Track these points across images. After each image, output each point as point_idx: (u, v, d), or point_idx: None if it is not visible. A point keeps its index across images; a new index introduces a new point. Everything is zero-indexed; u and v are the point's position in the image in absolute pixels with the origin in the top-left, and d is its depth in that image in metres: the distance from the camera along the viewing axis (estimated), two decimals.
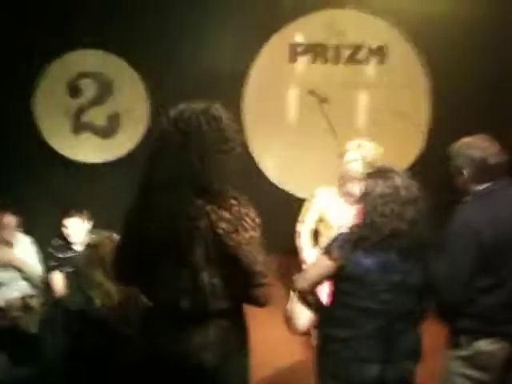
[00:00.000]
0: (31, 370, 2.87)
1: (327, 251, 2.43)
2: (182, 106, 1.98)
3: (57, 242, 3.94)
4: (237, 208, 1.89)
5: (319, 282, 2.52)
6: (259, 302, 1.99)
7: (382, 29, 5.12)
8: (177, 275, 1.90)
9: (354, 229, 2.44)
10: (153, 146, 1.99)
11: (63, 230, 3.92)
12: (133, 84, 5.02)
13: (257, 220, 1.93)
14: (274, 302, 2.04)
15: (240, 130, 2.04)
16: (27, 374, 2.91)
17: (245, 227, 1.88)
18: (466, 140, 2.62)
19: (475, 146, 2.55)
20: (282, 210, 4.56)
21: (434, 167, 4.86)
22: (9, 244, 3.90)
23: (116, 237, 2.93)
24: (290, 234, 3.76)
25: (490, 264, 2.42)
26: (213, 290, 1.90)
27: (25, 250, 3.95)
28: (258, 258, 1.92)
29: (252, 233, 1.90)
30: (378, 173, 2.46)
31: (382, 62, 5.17)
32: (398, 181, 2.38)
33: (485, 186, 2.53)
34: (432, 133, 5.18)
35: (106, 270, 2.66)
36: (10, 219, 3.89)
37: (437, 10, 4.92)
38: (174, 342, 1.96)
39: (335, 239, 2.47)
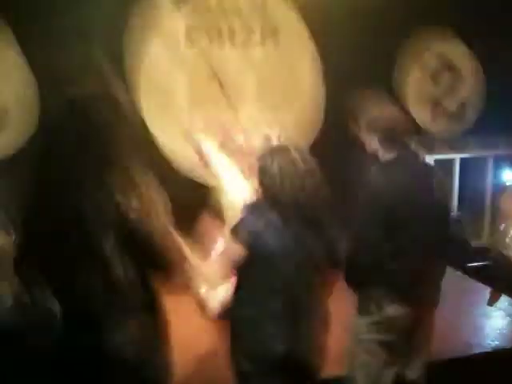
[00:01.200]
0: None
1: (234, 234, 2.41)
2: (76, 92, 1.88)
3: None
4: (147, 194, 1.83)
5: (230, 267, 2.49)
6: (164, 267, 1.93)
7: (276, 10, 5.17)
8: (89, 271, 1.81)
9: (257, 207, 2.45)
10: (49, 138, 1.89)
11: None
12: (19, 73, 4.69)
13: (169, 205, 1.90)
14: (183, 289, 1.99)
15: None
16: None
17: (156, 214, 1.83)
18: (374, 107, 2.67)
19: (387, 115, 2.62)
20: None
21: (332, 145, 5.05)
22: None
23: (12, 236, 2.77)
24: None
25: (395, 231, 2.52)
26: (128, 282, 1.82)
27: None
28: (172, 245, 1.89)
29: (163, 218, 1.86)
30: (274, 149, 2.48)
31: (276, 43, 5.22)
32: (295, 154, 2.41)
33: (390, 153, 2.61)
34: (329, 110, 5.33)
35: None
36: None
37: None
38: (95, 341, 1.87)
39: (240, 220, 2.46)
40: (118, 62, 4.70)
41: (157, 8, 4.88)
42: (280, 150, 2.45)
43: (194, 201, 3.71)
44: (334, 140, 4.98)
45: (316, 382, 2.56)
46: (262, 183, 2.46)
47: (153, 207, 1.82)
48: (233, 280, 2.64)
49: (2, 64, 4.68)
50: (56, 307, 2.29)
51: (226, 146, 3.65)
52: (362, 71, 5.05)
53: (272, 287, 2.37)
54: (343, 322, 2.71)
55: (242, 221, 2.44)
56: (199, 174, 4.84)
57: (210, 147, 3.45)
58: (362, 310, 2.66)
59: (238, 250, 2.37)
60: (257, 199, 2.50)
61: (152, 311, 1.96)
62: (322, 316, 2.49)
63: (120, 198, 1.78)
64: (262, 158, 2.49)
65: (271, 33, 5.18)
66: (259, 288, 2.40)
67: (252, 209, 2.46)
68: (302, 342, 2.41)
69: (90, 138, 1.80)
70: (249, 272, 2.42)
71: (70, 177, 1.80)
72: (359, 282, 2.61)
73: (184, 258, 1.97)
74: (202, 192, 3.88)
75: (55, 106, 1.90)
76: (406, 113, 2.74)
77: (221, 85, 4.96)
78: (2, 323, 2.41)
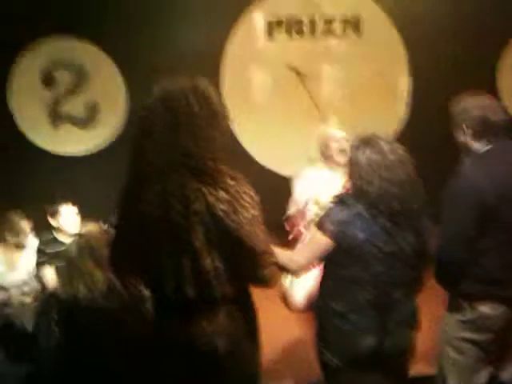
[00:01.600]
0: (29, 365, 2.83)
1: (320, 226, 2.39)
2: (167, 84, 1.88)
3: (46, 236, 3.88)
4: (235, 187, 1.80)
5: (316, 259, 2.48)
6: (266, 282, 1.92)
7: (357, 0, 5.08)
8: (179, 262, 1.81)
9: (345, 200, 2.42)
10: (138, 129, 1.89)
11: (55, 221, 3.85)
12: (108, 71, 4.91)
13: (255, 198, 1.85)
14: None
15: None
16: (26, 370, 2.88)
17: (245, 206, 1.79)
18: (468, 98, 2.57)
19: (477, 104, 2.52)
20: (265, 186, 4.52)
21: (415, 137, 4.93)
22: (20, 248, 3.93)
23: (103, 226, 2.89)
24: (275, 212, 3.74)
25: (491, 225, 2.41)
26: (217, 274, 1.82)
27: (31, 253, 3.94)
28: (261, 237, 1.84)
29: (252, 211, 1.81)
30: (362, 141, 2.44)
31: (358, 33, 5.14)
32: (384, 146, 2.36)
33: (486, 145, 2.50)
34: (413, 102, 5.20)
35: (95, 259, 2.63)
36: (26, 224, 3.90)
37: None
38: (184, 330, 1.90)
39: (326, 212, 2.44)
40: (203, 58, 4.83)
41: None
42: (369, 141, 2.40)
43: (279, 193, 3.75)
44: (421, 132, 4.91)
45: (404, 378, 2.51)
46: (350, 174, 2.44)
47: (240, 200, 1.80)
48: (318, 272, 2.64)
49: (94, 66, 4.89)
50: (146, 294, 2.37)
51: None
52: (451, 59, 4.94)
53: (360, 280, 2.34)
54: (433, 320, 2.65)
55: (329, 211, 2.43)
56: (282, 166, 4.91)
57: None
58: (454, 307, 2.56)
59: (324, 241, 2.36)
60: (345, 191, 2.47)
61: (241, 301, 1.96)
62: (411, 312, 2.44)
63: (207, 190, 1.78)
64: (351, 148, 2.46)
65: (353, 24, 5.12)
66: (347, 280, 2.37)
67: (340, 200, 2.44)
68: (390, 337, 2.37)
69: (179, 130, 1.79)
70: (337, 264, 2.40)
71: (159, 169, 1.81)
72: (451, 278, 2.51)
73: (272, 251, 1.93)
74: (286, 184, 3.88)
75: (145, 101, 1.89)
76: (501, 105, 2.59)
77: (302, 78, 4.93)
78: (98, 307, 2.53)
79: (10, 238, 3.89)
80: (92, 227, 2.77)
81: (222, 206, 1.76)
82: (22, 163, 4.68)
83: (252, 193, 1.85)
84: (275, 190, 3.93)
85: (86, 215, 3.76)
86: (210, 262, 1.80)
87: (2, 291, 3.86)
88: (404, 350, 2.45)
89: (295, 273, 2.52)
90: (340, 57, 5.15)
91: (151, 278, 1.97)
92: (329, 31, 5.10)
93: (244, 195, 1.81)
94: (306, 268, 2.49)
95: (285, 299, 3.12)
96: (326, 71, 5.07)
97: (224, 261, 1.82)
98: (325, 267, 2.49)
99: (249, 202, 1.81)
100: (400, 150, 2.38)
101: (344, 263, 2.36)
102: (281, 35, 5.05)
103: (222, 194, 1.77)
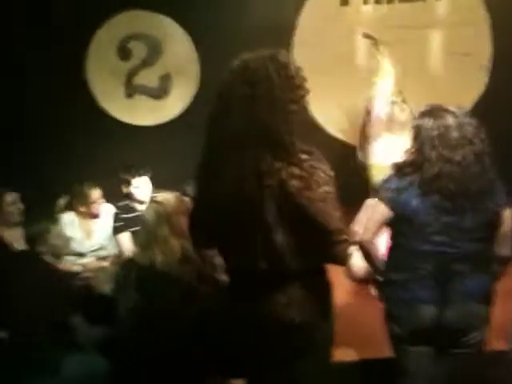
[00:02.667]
0: (107, 328, 2.94)
1: (376, 193, 2.38)
2: (245, 56, 1.84)
3: (121, 203, 4.01)
4: (308, 162, 1.77)
5: (380, 229, 2.41)
6: (338, 260, 1.89)
7: None
8: (251, 235, 1.82)
9: (403, 169, 2.35)
10: (216, 101, 1.86)
11: (128, 190, 3.97)
12: (182, 43, 4.95)
13: (330, 173, 1.81)
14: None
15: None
16: (103, 333, 2.99)
17: (318, 182, 1.76)
18: None
19: None
20: (339, 162, 4.49)
21: (497, 106, 4.71)
22: (96, 216, 4.16)
23: (180, 195, 2.94)
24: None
25: None
26: (289, 249, 1.81)
27: (106, 220, 4.13)
28: (334, 214, 1.80)
29: (326, 188, 1.77)
30: (429, 111, 2.34)
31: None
32: (450, 120, 2.25)
33: None
34: (494, 70, 4.95)
35: (171, 226, 2.66)
36: (98, 194, 4.10)
37: None
38: (257, 302, 1.92)
39: (384, 181, 2.40)
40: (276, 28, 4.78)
41: None
42: (435, 113, 2.31)
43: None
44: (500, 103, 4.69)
45: (475, 353, 2.42)
46: (412, 144, 2.36)
47: (314, 175, 1.77)
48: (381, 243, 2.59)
49: (168, 38, 4.96)
50: (219, 264, 2.41)
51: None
52: None
53: (419, 250, 2.29)
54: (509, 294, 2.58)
55: (386, 179, 2.39)
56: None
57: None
58: None
59: (381, 209, 2.31)
60: (406, 159, 2.39)
61: (314, 275, 1.95)
62: (479, 286, 2.35)
63: (281, 165, 1.76)
64: (419, 116, 2.38)
65: None
66: (407, 250, 2.33)
67: (398, 168, 2.38)
68: (452, 310, 2.32)
69: (256, 103, 1.76)
70: (397, 233, 2.37)
71: (235, 143, 1.79)
72: None
73: (344, 228, 1.88)
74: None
75: (221, 74, 1.87)
76: None
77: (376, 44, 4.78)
78: (173, 273, 2.60)
79: (83, 208, 4.04)
80: (169, 195, 2.82)
81: (294, 182, 1.74)
82: (96, 133, 4.80)
83: (326, 168, 1.81)
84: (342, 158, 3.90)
85: (159, 184, 3.85)
86: (282, 237, 1.79)
87: (81, 257, 4.06)
88: (471, 324, 2.37)
89: (356, 243, 2.48)
90: (418, 23, 4.94)
91: (226, 250, 2.00)
92: None
93: (317, 171, 1.78)
94: (366, 238, 2.42)
95: (345, 269, 3.08)
96: (402, 37, 4.88)
97: (296, 236, 1.80)
98: (391, 237, 2.45)
99: (323, 178, 1.78)
100: (470, 125, 2.26)
101: (403, 232, 2.32)
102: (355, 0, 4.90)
103: (295, 169, 1.75)
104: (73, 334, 3.09)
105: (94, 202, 4.12)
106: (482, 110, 4.24)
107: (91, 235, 4.15)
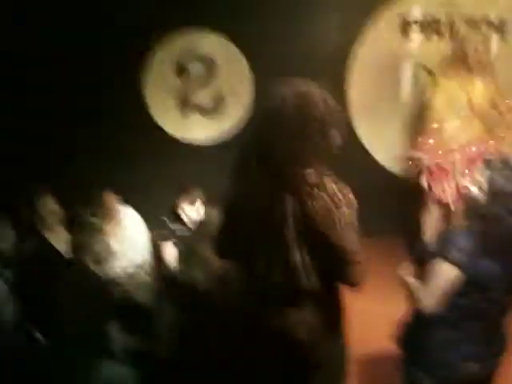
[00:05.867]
0: (143, 340, 2.97)
1: (446, 257, 2.22)
2: (302, 88, 1.88)
3: (171, 217, 4.07)
4: (328, 184, 1.82)
5: (446, 295, 2.27)
6: (351, 281, 1.91)
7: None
8: (269, 254, 1.88)
9: (474, 226, 2.27)
10: (260, 127, 1.92)
11: (176, 208, 4.04)
12: (237, 64, 5.05)
13: (349, 196, 1.84)
14: (368, 280, 1.91)
15: (341, 112, 1.93)
16: (140, 344, 3.02)
17: (336, 204, 1.80)
18: None
19: None
20: (389, 192, 4.47)
21: None
22: (117, 218, 4.06)
23: None
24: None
25: None
26: (305, 268, 1.85)
27: (133, 224, 4.12)
28: (350, 236, 1.83)
29: (344, 209, 1.81)
30: (497, 161, 2.30)
31: (502, 37, 4.83)
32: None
33: None
34: None
35: None
36: (111, 196, 4.02)
37: None
38: (270, 317, 1.96)
39: (451, 238, 2.28)
40: (332, 55, 4.82)
41: None
42: (502, 164, 2.28)
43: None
44: None
45: None
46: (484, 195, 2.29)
47: (334, 197, 1.80)
48: None
49: (223, 58, 5.06)
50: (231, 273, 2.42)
51: None
52: None
53: (478, 308, 2.26)
54: None
55: (452, 239, 2.29)
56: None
57: None
58: None
59: (455, 276, 2.23)
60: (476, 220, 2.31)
61: (328, 296, 1.97)
62: (505, 338, 2.39)
63: (301, 187, 1.81)
64: (485, 163, 2.34)
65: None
66: (455, 309, 2.28)
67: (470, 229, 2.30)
68: (490, 364, 2.34)
69: (297, 130, 1.82)
70: (455, 293, 2.29)
71: (257, 167, 1.87)
72: None
73: (359, 251, 1.88)
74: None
75: (268, 98, 1.91)
76: None
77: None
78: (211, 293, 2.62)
79: (106, 214, 3.95)
80: (214, 215, 2.85)
81: (313, 202, 1.79)
82: (150, 148, 4.91)
83: (346, 191, 1.84)
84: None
85: (210, 202, 3.89)
86: (299, 256, 1.84)
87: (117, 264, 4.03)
88: (491, 374, 2.40)
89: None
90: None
91: (247, 267, 2.03)
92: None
93: (337, 192, 1.81)
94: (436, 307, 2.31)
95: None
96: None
97: (312, 255, 1.85)
98: None
99: (341, 200, 1.81)
100: None
101: (465, 292, 2.24)
102: (416, 35, 4.90)
103: (314, 190, 1.80)
104: (108, 342, 3.13)
105: (113, 208, 4.01)
106: None
107: (122, 242, 4.00)
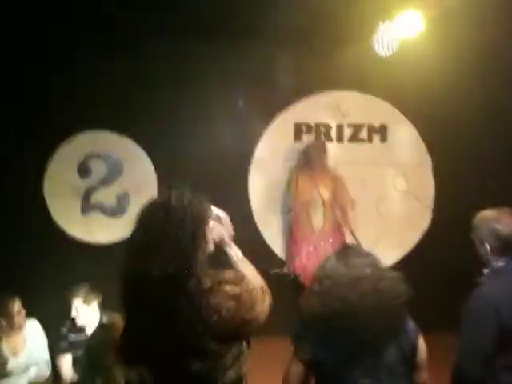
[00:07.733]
0: None
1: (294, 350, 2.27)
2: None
3: (68, 324, 3.86)
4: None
5: None
6: None
7: (383, 109, 5.31)
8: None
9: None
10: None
11: (74, 312, 3.85)
12: (142, 164, 5.15)
13: (250, 293, 1.84)
14: None
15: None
16: None
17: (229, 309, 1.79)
18: (490, 213, 2.59)
19: (499, 220, 2.54)
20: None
21: (440, 242, 4.95)
22: (20, 330, 3.85)
23: None
24: None
25: (509, 343, 2.38)
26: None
27: (34, 335, 3.91)
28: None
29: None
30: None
31: (384, 140, 5.35)
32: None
33: (505, 261, 2.52)
34: (437, 208, 5.29)
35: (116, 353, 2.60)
36: (20, 306, 3.88)
37: (436, 93, 5.05)
38: None
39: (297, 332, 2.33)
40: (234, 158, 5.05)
41: None
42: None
43: None
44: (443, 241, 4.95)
45: None
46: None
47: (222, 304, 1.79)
48: None
49: (131, 159, 5.17)
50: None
51: None
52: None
53: None
54: None
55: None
56: None
57: None
58: None
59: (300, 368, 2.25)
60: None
61: None
62: None
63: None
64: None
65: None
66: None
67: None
68: None
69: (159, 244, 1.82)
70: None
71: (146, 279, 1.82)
72: None
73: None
74: None
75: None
76: None
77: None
78: None
79: (4, 321, 3.76)
80: (116, 319, 2.76)
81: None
82: (50, 250, 4.79)
83: (244, 289, 1.84)
84: None
85: (109, 306, 3.77)
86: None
87: (10, 377, 3.77)
88: None
89: None
90: (365, 161, 5.34)
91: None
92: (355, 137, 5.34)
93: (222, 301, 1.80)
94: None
95: None
96: (350, 174, 5.20)
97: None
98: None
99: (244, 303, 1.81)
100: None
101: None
102: (308, 138, 5.29)
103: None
104: None
105: (15, 315, 3.78)
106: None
107: (17, 353, 3.79)
